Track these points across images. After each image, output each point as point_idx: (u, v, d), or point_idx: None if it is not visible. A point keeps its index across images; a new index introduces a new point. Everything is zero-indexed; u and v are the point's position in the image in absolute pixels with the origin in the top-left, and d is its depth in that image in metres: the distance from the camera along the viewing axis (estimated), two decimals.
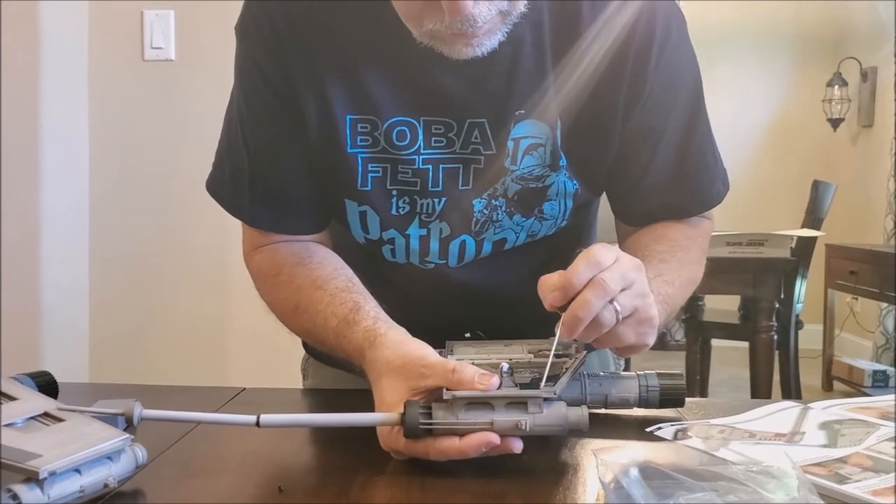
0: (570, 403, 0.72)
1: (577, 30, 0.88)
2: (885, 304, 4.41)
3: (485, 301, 0.96)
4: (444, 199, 0.90)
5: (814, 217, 3.70)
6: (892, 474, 0.66)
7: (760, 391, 3.12)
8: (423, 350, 0.76)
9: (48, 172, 2.28)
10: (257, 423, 0.70)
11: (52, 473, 0.58)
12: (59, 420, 0.66)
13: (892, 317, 4.53)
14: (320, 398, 1.03)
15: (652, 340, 0.78)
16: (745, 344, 3.23)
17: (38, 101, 2.24)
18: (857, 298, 4.67)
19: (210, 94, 2.32)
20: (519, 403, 0.69)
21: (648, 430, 0.81)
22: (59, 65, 2.28)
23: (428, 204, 0.91)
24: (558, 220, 0.94)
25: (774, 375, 3.30)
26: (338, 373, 1.02)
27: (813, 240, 3.66)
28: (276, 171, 0.93)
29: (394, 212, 0.91)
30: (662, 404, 0.85)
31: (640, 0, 0.89)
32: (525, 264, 0.95)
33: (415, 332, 0.81)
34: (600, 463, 0.66)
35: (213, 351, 2.36)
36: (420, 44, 0.81)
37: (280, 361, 2.13)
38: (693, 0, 5.07)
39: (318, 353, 1.06)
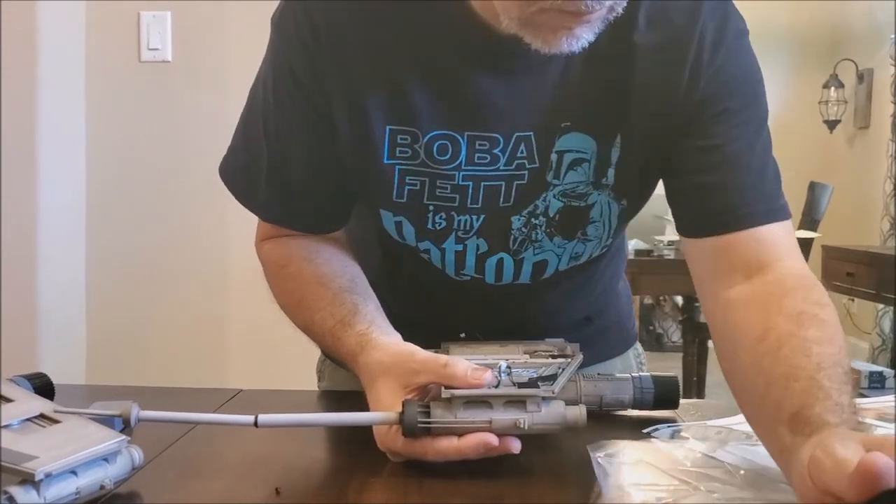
0: (565, 401, 0.72)
1: (629, 36, 0.82)
2: (881, 306, 4.42)
3: (507, 308, 0.94)
4: (483, 217, 0.86)
5: (810, 218, 3.71)
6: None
7: None
8: (413, 348, 0.75)
9: (45, 173, 2.27)
10: (255, 424, 0.69)
11: (48, 475, 0.58)
12: (56, 422, 0.66)
13: (889, 318, 4.54)
14: (321, 400, 1.03)
15: None
16: None
17: (36, 102, 2.24)
18: (853, 300, 4.67)
19: (206, 95, 2.32)
20: (517, 402, 0.69)
21: (645, 431, 0.81)
22: (56, 66, 2.28)
23: (466, 221, 0.87)
24: (603, 239, 0.90)
25: None
26: (353, 375, 1.02)
27: (809, 241, 3.66)
28: (294, 170, 0.90)
29: (430, 226, 0.87)
30: (656, 405, 0.85)
31: (695, 1, 0.82)
32: (563, 288, 0.93)
33: (423, 326, 0.81)
34: (597, 465, 0.66)
35: (210, 352, 2.35)
36: (464, 44, 0.78)
37: (278, 363, 2.12)
38: None
39: None
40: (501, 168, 0.85)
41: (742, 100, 0.85)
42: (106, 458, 0.63)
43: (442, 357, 0.72)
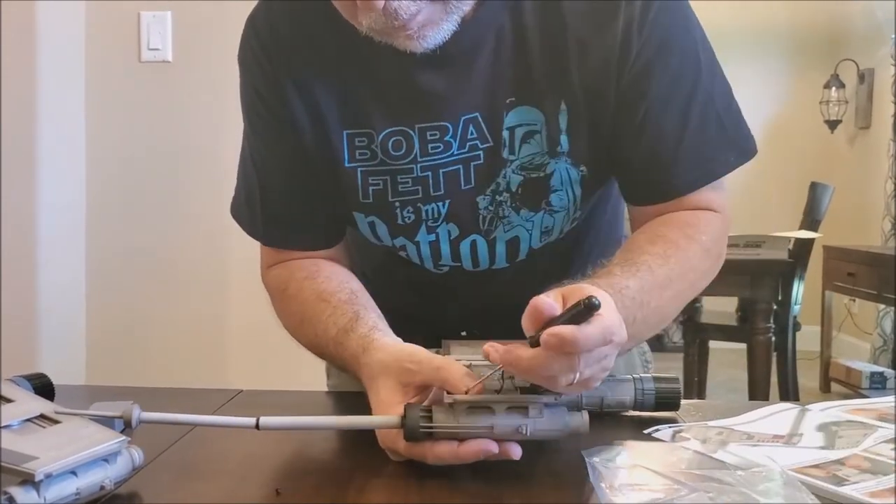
0: (567, 406, 0.72)
1: (558, 6, 0.85)
2: (882, 306, 4.42)
3: (503, 308, 0.95)
4: (448, 202, 0.90)
5: (811, 219, 3.70)
6: (890, 476, 0.66)
7: (758, 393, 3.13)
8: (413, 348, 0.76)
9: (45, 173, 2.27)
10: (257, 426, 0.69)
11: (48, 476, 0.58)
12: (56, 422, 0.66)
13: (890, 318, 4.54)
14: (323, 400, 1.03)
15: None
16: (743, 346, 3.23)
17: (36, 102, 2.24)
18: (854, 300, 4.67)
19: (207, 95, 2.32)
20: (520, 407, 0.69)
21: (646, 432, 0.81)
22: (56, 66, 2.28)
23: (432, 209, 0.90)
24: (570, 210, 0.91)
25: (772, 377, 3.30)
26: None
27: (810, 241, 3.66)
28: (283, 190, 0.95)
29: (400, 222, 0.91)
30: (658, 408, 0.85)
31: None
32: (547, 273, 0.92)
33: (424, 321, 0.81)
34: (591, 468, 0.66)
35: (210, 353, 2.35)
36: (396, 49, 0.81)
37: (278, 363, 2.12)
38: (690, 2, 5.07)
39: None
40: (455, 153, 0.88)
41: (676, 57, 0.87)
42: (106, 459, 0.63)
43: (437, 359, 0.72)
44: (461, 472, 0.70)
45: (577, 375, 0.65)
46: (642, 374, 0.85)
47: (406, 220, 0.91)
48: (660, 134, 0.87)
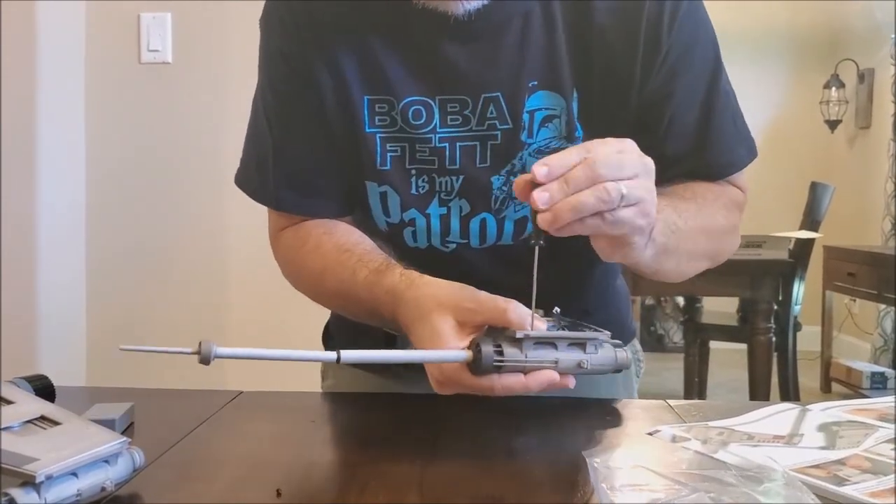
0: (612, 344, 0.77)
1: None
2: (883, 306, 4.42)
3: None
4: (462, 177, 0.91)
5: (812, 219, 3.71)
6: (891, 476, 0.66)
7: (759, 393, 3.13)
8: (468, 287, 0.77)
9: (45, 174, 2.27)
10: (338, 360, 0.68)
11: (49, 477, 0.58)
12: (56, 423, 0.66)
13: (891, 318, 4.54)
14: (324, 401, 1.03)
15: (640, 241, 0.74)
16: (744, 346, 3.23)
17: (36, 103, 2.24)
18: (855, 300, 4.67)
19: (207, 96, 2.32)
20: (578, 345, 0.74)
21: (647, 432, 0.81)
22: (56, 67, 2.28)
23: (446, 182, 0.91)
24: None
25: (773, 377, 3.30)
26: (357, 374, 1.03)
27: (811, 241, 3.66)
28: (300, 153, 0.95)
29: (413, 191, 0.91)
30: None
31: None
32: (549, 261, 0.94)
33: None
34: (598, 466, 0.66)
35: None
36: (427, 17, 0.83)
37: (278, 364, 2.12)
38: None
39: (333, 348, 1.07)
40: (474, 128, 0.90)
41: (699, 56, 0.92)
42: (107, 460, 0.63)
43: (500, 300, 0.74)
44: (461, 471, 0.70)
45: (623, 189, 0.67)
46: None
47: (420, 189, 0.91)
48: (684, 131, 0.92)
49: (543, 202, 0.67)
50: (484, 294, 0.75)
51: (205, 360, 0.66)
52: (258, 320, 2.32)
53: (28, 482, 0.58)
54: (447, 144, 0.89)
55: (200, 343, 0.66)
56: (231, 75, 2.27)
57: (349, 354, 0.69)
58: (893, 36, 4.57)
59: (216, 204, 2.33)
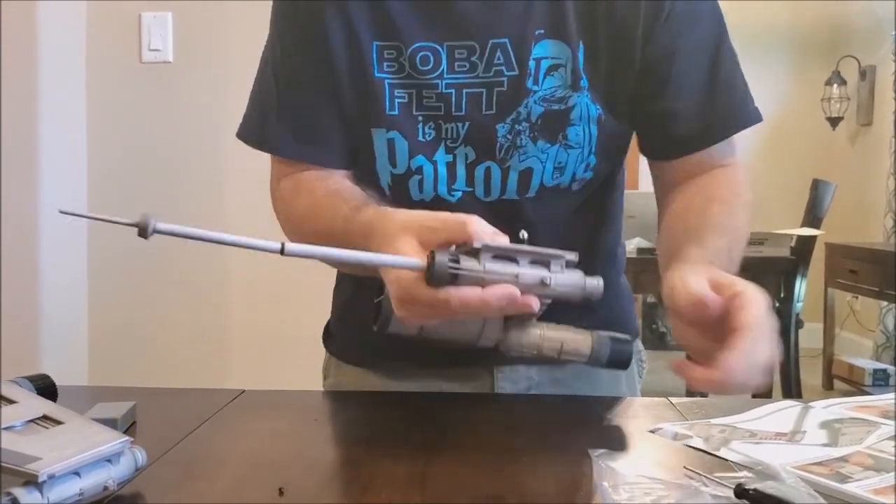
0: (527, 348, 0.75)
1: None
2: (885, 303, 4.41)
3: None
4: (467, 124, 0.91)
5: (813, 216, 3.70)
6: (893, 473, 0.66)
7: (760, 390, 3.12)
8: (437, 212, 0.75)
9: (46, 174, 2.27)
10: (282, 252, 0.66)
11: (51, 476, 0.58)
12: (59, 423, 0.66)
13: (893, 315, 4.53)
14: (325, 400, 1.03)
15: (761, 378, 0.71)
16: None
17: (37, 103, 2.24)
18: (857, 297, 4.67)
19: (207, 95, 2.32)
20: (542, 262, 0.71)
21: (649, 430, 0.81)
22: (57, 67, 2.28)
23: (453, 129, 0.92)
24: (584, 150, 0.93)
25: (775, 375, 3.30)
26: (358, 373, 1.04)
27: (812, 239, 3.66)
28: (303, 100, 0.96)
29: (420, 138, 0.92)
30: (608, 365, 0.83)
31: None
32: (553, 220, 0.95)
33: None
34: (597, 465, 0.66)
35: (212, 353, 2.36)
36: None
37: (281, 363, 2.13)
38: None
39: (340, 350, 1.08)
40: (480, 75, 0.91)
41: (706, 13, 0.94)
42: (109, 459, 0.63)
43: (461, 215, 0.72)
44: (463, 470, 0.70)
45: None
46: (601, 333, 0.83)
47: (427, 136, 0.92)
48: (692, 88, 0.94)
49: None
50: (448, 213, 0.73)
51: (143, 232, 0.62)
52: (258, 320, 2.32)
53: (30, 481, 0.58)
54: (454, 91, 0.91)
55: (142, 215, 0.62)
56: (232, 75, 2.27)
57: (293, 247, 0.67)
58: (894, 33, 4.56)
59: (217, 203, 2.33)
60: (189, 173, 2.35)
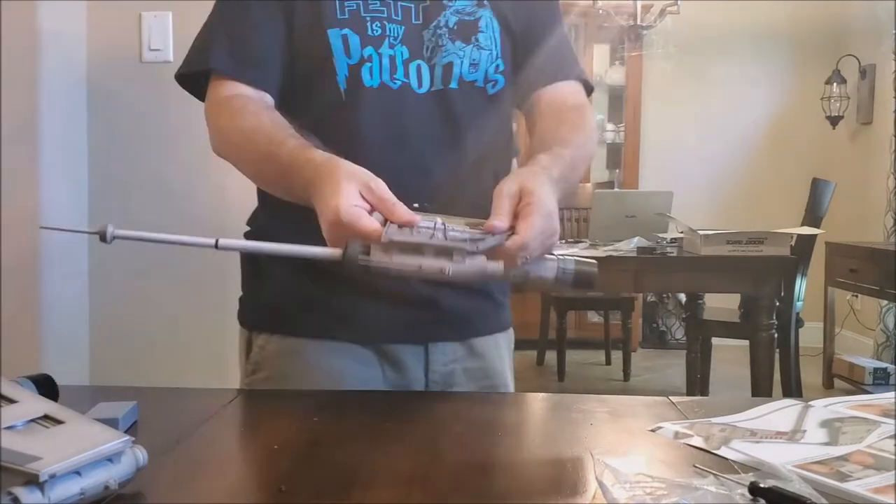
0: (492, 277, 0.84)
1: None
2: (885, 302, 4.41)
3: (440, 150, 1.11)
4: (403, 28, 1.10)
5: (813, 215, 3.70)
6: (894, 472, 0.66)
7: (761, 389, 3.12)
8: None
9: (47, 174, 2.27)
10: (216, 245, 0.81)
11: (53, 476, 0.58)
12: (60, 422, 0.66)
13: (893, 314, 4.53)
14: (324, 399, 1.03)
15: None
16: (746, 342, 3.23)
17: (37, 103, 2.24)
18: (857, 296, 4.67)
19: None
20: (447, 253, 0.81)
21: (650, 429, 0.81)
22: (57, 66, 2.28)
23: (394, 29, 1.10)
24: (493, 52, 1.14)
25: (775, 374, 3.30)
26: (291, 343, 1.12)
27: (813, 238, 3.66)
28: (245, 18, 1.12)
29: (370, 32, 1.09)
30: (575, 285, 0.91)
31: None
32: (474, 118, 1.13)
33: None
34: (599, 463, 0.66)
35: (212, 353, 2.36)
36: None
37: None
38: (693, 1, 5.07)
39: (266, 317, 1.18)
40: None
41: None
42: (110, 459, 0.63)
43: (395, 199, 0.85)
44: (464, 469, 0.70)
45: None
46: (565, 256, 0.92)
47: (374, 32, 1.09)
48: (547, 34, 1.20)
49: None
50: (386, 187, 0.86)
51: (103, 238, 0.79)
52: None
53: (32, 481, 0.58)
54: (392, 2, 1.11)
55: (101, 225, 0.79)
56: None
57: (226, 242, 0.82)
58: (894, 31, 4.56)
59: (217, 203, 2.33)
60: (189, 173, 2.35)
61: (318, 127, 1.04)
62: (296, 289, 1.11)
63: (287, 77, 1.11)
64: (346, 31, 1.08)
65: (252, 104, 1.08)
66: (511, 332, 1.24)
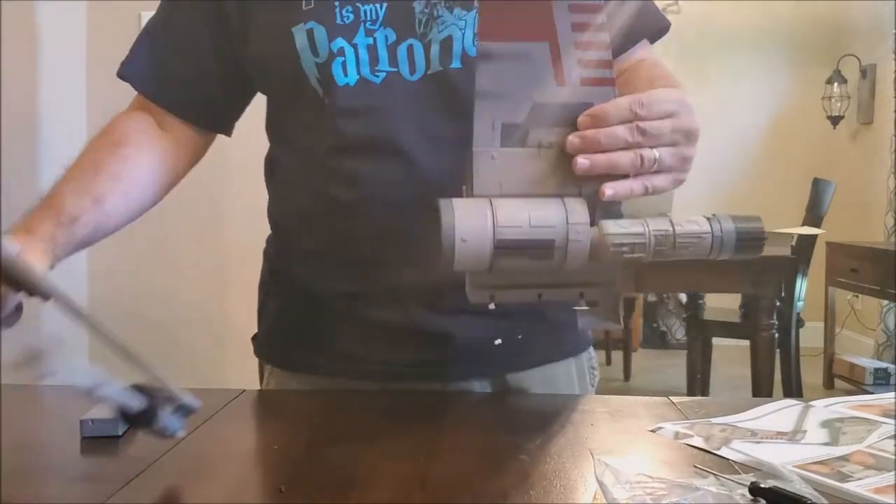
0: (629, 238, 0.69)
1: None
2: (885, 302, 4.41)
3: (440, 150, 0.92)
4: (385, 5, 0.93)
5: (814, 215, 3.70)
6: (894, 472, 0.66)
7: (762, 390, 3.12)
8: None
9: (47, 174, 2.27)
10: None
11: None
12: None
13: (893, 314, 4.53)
14: (324, 399, 1.03)
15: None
16: (746, 342, 3.23)
17: (37, 103, 2.24)
18: (857, 296, 4.67)
19: None
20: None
21: (651, 429, 0.80)
22: (57, 66, 2.28)
23: (371, 10, 0.92)
24: None
25: (776, 374, 3.30)
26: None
27: (813, 237, 3.66)
28: (168, 31, 1.06)
29: (339, 21, 0.92)
30: (739, 249, 0.71)
31: None
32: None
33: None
34: (599, 463, 0.66)
35: (212, 353, 2.36)
36: None
37: None
38: (694, 0, 5.07)
39: (281, 357, 1.07)
40: None
41: None
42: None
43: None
44: (465, 469, 0.70)
45: (656, 154, 0.73)
46: (718, 214, 0.72)
47: (345, 19, 0.92)
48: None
49: (581, 166, 0.71)
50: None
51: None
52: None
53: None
54: None
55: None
56: None
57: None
58: (895, 31, 4.56)
59: (217, 202, 2.33)
60: (189, 172, 2.35)
61: (307, 137, 0.96)
62: (303, 326, 1.02)
63: (263, 87, 1.02)
64: (311, 24, 0.92)
65: (114, 135, 1.07)
66: (583, 357, 1.06)
